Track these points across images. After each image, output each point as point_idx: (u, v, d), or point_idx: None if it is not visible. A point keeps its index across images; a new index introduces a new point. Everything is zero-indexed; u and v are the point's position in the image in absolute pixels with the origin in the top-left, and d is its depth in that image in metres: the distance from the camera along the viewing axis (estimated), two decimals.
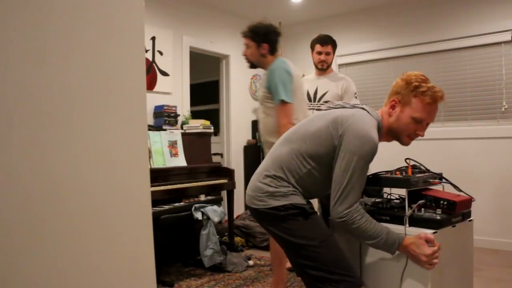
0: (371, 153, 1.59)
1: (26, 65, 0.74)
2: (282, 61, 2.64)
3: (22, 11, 0.73)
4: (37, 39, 0.75)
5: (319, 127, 1.67)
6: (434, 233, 1.60)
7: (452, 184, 1.84)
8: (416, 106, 1.65)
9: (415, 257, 1.55)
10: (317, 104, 3.35)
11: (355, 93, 3.39)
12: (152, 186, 3.05)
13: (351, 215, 1.55)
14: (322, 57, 3.36)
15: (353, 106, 1.75)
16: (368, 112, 1.69)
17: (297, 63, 5.11)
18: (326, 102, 3.31)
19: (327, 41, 3.37)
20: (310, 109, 3.35)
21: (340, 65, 4.99)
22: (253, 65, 2.95)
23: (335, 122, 1.63)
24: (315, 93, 3.38)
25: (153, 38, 4.10)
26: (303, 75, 4.71)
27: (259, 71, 5.31)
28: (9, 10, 0.71)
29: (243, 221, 4.41)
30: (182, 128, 4.06)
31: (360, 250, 1.81)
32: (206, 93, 6.40)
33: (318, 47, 3.37)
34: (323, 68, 3.39)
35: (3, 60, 0.71)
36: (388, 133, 1.74)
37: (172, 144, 3.68)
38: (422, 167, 1.91)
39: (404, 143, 1.76)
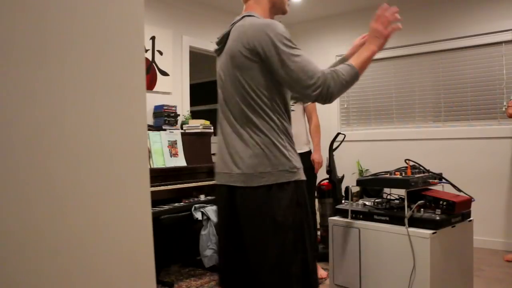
0: (283, 29, 1.45)
1: (25, 65, 0.74)
2: None
3: (21, 11, 0.73)
4: (36, 39, 0.75)
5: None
6: (433, 233, 1.61)
7: (451, 184, 1.84)
8: None
9: (376, 31, 1.55)
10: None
11: None
12: (152, 186, 3.06)
13: (325, 91, 1.40)
14: None
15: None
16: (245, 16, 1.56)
17: None
18: (295, 102, 3.36)
19: None
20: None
21: None
22: None
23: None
24: None
25: (153, 38, 4.10)
26: None
27: None
28: (9, 10, 0.72)
29: None
30: (182, 128, 4.06)
31: (360, 251, 1.81)
32: (206, 93, 6.41)
33: None
34: None
35: (2, 60, 0.71)
36: (271, 10, 1.60)
37: (172, 144, 3.68)
38: (421, 168, 1.91)
39: (287, 10, 1.65)
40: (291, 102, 3.57)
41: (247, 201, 1.42)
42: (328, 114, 4.88)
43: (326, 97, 1.41)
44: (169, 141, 3.67)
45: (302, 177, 1.47)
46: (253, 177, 1.41)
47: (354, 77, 1.47)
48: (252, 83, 1.45)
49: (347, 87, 1.46)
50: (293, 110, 3.39)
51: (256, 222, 1.40)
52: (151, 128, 3.81)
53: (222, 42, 1.64)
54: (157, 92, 4.14)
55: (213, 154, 4.46)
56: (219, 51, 1.67)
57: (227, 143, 1.54)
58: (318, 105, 3.37)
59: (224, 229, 1.55)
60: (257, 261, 1.40)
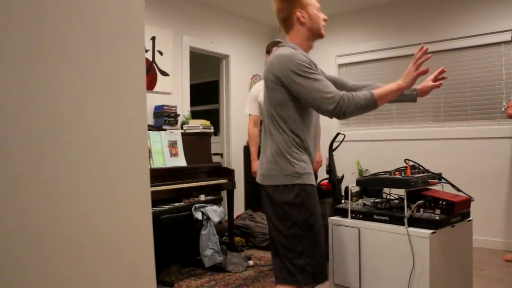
0: (303, 59, 1.72)
1: (25, 65, 0.74)
2: None
3: (21, 11, 0.73)
4: (36, 39, 0.75)
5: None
6: (433, 233, 1.61)
7: (451, 184, 1.84)
8: (311, 1, 1.86)
9: (410, 71, 1.76)
10: None
11: None
12: (152, 186, 3.06)
13: (338, 108, 1.67)
14: None
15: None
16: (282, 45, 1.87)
17: None
18: None
19: None
20: None
21: (340, 65, 5.00)
22: None
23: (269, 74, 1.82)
24: None
25: (153, 38, 4.11)
26: None
27: (259, 71, 5.31)
28: (8, 10, 0.72)
29: (243, 221, 4.41)
30: (182, 128, 4.06)
31: (360, 251, 1.81)
32: (206, 93, 6.41)
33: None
34: None
35: (2, 60, 0.71)
36: (310, 37, 1.88)
37: (172, 144, 3.69)
38: (421, 168, 1.91)
39: (323, 34, 1.91)
40: None
41: (263, 195, 1.84)
42: None
43: (339, 113, 1.68)
44: (169, 141, 3.67)
45: (308, 181, 1.77)
46: (266, 178, 1.80)
47: (370, 103, 1.69)
48: (274, 102, 1.78)
49: (361, 110, 1.71)
50: None
51: (269, 210, 1.80)
52: (151, 128, 3.81)
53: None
54: (157, 92, 4.14)
55: (213, 154, 4.46)
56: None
57: (261, 149, 1.93)
58: None
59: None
60: (274, 241, 1.80)
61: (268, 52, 3.53)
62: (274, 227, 1.78)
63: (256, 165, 3.46)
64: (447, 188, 1.86)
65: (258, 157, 3.46)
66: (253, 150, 3.52)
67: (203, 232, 3.34)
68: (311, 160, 1.83)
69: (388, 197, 1.98)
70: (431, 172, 1.87)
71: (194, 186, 3.59)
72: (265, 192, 1.81)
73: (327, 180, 3.68)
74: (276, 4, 1.88)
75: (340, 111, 1.67)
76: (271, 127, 1.80)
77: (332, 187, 3.59)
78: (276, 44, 3.51)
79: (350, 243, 1.83)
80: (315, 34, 1.88)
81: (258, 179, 1.88)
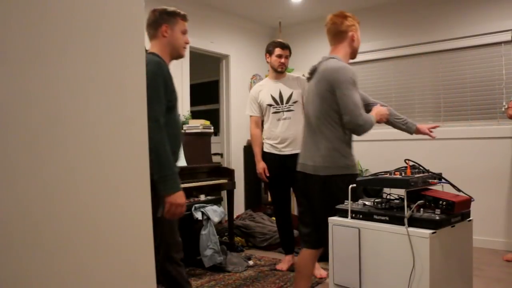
0: (349, 75, 2.12)
1: (25, 65, 0.74)
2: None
3: (21, 11, 0.73)
4: (37, 39, 0.75)
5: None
6: (433, 233, 1.61)
7: (451, 184, 1.84)
8: (358, 27, 2.34)
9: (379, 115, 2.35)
10: (286, 106, 3.43)
11: None
12: None
13: (364, 127, 2.19)
14: (282, 60, 3.48)
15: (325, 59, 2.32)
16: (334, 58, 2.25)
17: (296, 63, 5.11)
18: (295, 102, 3.43)
19: (286, 46, 3.52)
20: (279, 111, 3.41)
21: None
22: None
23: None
24: (280, 95, 3.47)
25: None
26: (303, 75, 4.72)
27: (259, 71, 5.31)
28: (8, 10, 0.72)
29: (243, 221, 4.41)
30: (182, 128, 4.06)
31: (360, 251, 1.81)
32: (206, 93, 6.41)
33: (278, 51, 3.49)
34: (281, 71, 3.51)
35: (2, 60, 0.71)
36: (350, 56, 2.32)
37: None
38: (421, 168, 1.91)
39: (354, 57, 2.36)
40: (290, 102, 3.57)
41: (311, 182, 2.23)
42: None
43: (362, 131, 2.21)
44: None
45: (356, 171, 2.24)
46: (320, 169, 2.18)
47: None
48: (328, 105, 2.17)
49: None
50: (292, 111, 3.40)
51: (317, 195, 2.23)
52: None
53: (313, 72, 2.33)
54: None
55: (213, 154, 4.46)
56: (309, 79, 2.37)
57: (306, 144, 2.31)
58: None
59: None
60: (320, 214, 2.19)
61: (270, 52, 3.52)
62: (321, 207, 2.18)
63: (261, 166, 3.46)
64: (447, 188, 1.86)
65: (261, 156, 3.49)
66: (257, 150, 3.52)
67: (203, 232, 3.33)
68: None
69: (388, 197, 1.98)
70: (431, 172, 1.87)
71: (194, 186, 3.59)
72: (315, 180, 2.20)
73: None
74: (336, 18, 2.31)
75: (363, 130, 2.19)
76: (322, 126, 2.19)
77: None
78: (277, 44, 3.51)
79: (350, 243, 1.83)
80: (353, 55, 2.34)
81: (309, 170, 2.24)
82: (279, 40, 3.63)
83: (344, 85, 2.10)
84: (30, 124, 0.74)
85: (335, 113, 2.15)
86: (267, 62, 3.57)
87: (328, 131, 2.18)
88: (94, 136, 0.84)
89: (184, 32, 2.11)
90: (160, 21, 2.03)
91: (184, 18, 2.10)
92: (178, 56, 2.12)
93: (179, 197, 1.93)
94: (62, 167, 0.78)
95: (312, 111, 2.26)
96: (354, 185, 1.92)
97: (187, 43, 2.13)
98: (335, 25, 2.29)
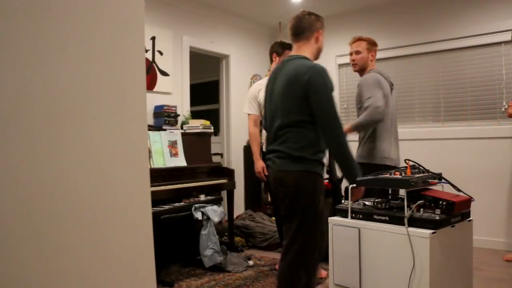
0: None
1: (25, 65, 0.74)
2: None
3: (20, 11, 0.73)
4: (36, 39, 0.75)
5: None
6: (433, 233, 1.61)
7: (451, 184, 1.84)
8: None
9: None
10: None
11: None
12: (152, 186, 3.06)
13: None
14: None
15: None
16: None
17: None
18: None
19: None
20: None
21: (340, 65, 5.00)
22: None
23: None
24: None
25: (153, 38, 4.11)
26: None
27: (259, 71, 5.31)
28: (8, 10, 0.72)
29: (243, 221, 4.41)
30: (182, 128, 4.06)
31: (360, 251, 1.81)
32: (206, 93, 6.41)
33: (288, 53, 3.42)
34: None
35: (2, 59, 0.71)
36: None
37: (172, 144, 3.68)
38: (421, 168, 1.91)
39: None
40: None
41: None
42: None
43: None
44: (169, 141, 3.67)
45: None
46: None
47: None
48: None
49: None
50: None
51: None
52: (151, 128, 3.81)
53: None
54: (157, 92, 4.14)
55: (213, 154, 4.46)
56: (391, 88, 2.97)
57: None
58: None
59: None
60: None
61: (278, 53, 3.47)
62: None
63: (260, 165, 3.45)
64: (447, 188, 1.86)
65: (260, 156, 3.48)
66: (256, 149, 3.51)
67: (203, 232, 3.33)
68: None
69: (388, 197, 1.98)
70: (431, 172, 1.87)
71: (194, 186, 3.58)
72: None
73: (327, 180, 3.68)
74: (362, 43, 3.06)
75: None
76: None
77: (332, 187, 3.59)
78: (287, 46, 3.47)
79: (350, 243, 1.83)
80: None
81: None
82: (288, 42, 3.58)
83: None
84: (30, 124, 0.74)
85: None
86: (272, 61, 3.52)
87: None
88: (94, 136, 0.84)
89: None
90: (316, 26, 2.21)
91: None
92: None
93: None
94: (62, 167, 0.78)
95: (394, 108, 2.99)
96: (354, 185, 1.92)
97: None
98: (360, 49, 3.19)
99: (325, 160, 2.12)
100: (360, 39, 3.15)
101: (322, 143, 2.05)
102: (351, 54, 3.27)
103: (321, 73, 2.03)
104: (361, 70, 3.14)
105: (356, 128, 2.74)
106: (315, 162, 2.01)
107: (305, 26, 2.20)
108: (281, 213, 2.13)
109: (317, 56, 2.24)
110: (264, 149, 3.53)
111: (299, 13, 2.26)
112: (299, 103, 2.01)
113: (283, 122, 2.05)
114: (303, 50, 2.18)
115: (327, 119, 1.96)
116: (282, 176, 2.04)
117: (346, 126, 2.63)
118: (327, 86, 2.01)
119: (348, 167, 1.99)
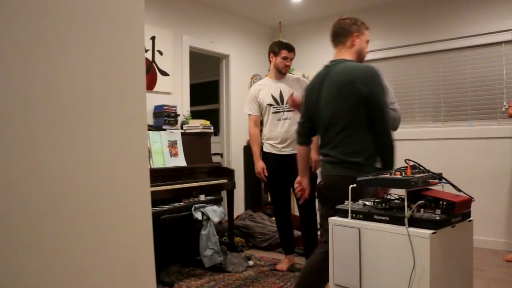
0: None
1: (25, 65, 0.74)
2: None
3: (20, 11, 0.73)
4: (36, 38, 0.75)
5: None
6: (433, 233, 1.61)
7: (451, 184, 1.84)
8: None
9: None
10: (287, 106, 3.42)
11: None
12: (152, 186, 3.06)
13: None
14: (288, 62, 3.48)
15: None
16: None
17: (296, 63, 5.10)
18: None
19: (293, 48, 3.51)
20: (279, 111, 3.41)
21: None
22: None
23: None
24: (281, 95, 3.47)
25: (153, 38, 4.10)
26: (303, 75, 4.72)
27: (259, 71, 5.31)
28: (8, 10, 0.71)
29: (243, 221, 4.41)
30: (182, 128, 4.06)
31: (360, 251, 1.81)
32: (206, 93, 6.40)
33: (285, 53, 3.47)
34: (285, 73, 3.51)
35: (2, 60, 0.71)
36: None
37: (172, 144, 3.68)
38: (421, 168, 1.91)
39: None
40: (287, 104, 3.56)
41: None
42: None
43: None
44: (169, 141, 3.67)
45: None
46: None
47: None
48: None
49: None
50: (293, 111, 3.40)
51: None
52: (151, 128, 3.81)
53: None
54: (157, 92, 4.14)
55: (213, 154, 4.46)
56: None
57: None
58: None
59: None
60: None
61: (275, 53, 3.49)
62: None
63: (260, 165, 3.46)
64: (448, 188, 1.85)
65: (260, 156, 3.48)
66: (256, 150, 3.51)
67: (203, 232, 3.33)
68: None
69: (388, 197, 1.98)
70: (431, 172, 1.87)
71: (194, 186, 3.58)
72: None
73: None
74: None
75: None
76: None
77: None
78: (284, 46, 3.47)
79: (350, 243, 1.83)
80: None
81: None
82: (286, 41, 3.60)
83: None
84: (30, 124, 0.74)
85: None
86: (270, 61, 3.55)
87: None
88: (94, 136, 0.84)
89: (367, 43, 2.31)
90: (350, 30, 2.22)
91: (368, 28, 2.29)
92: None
93: None
94: (62, 167, 0.78)
95: None
96: (355, 185, 1.92)
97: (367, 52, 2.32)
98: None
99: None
100: None
101: (375, 148, 2.08)
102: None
103: (373, 73, 2.05)
104: None
105: None
106: (367, 168, 2.03)
107: (339, 31, 2.23)
108: (323, 212, 2.23)
109: (358, 58, 2.23)
110: (264, 149, 3.53)
111: (336, 19, 2.30)
112: (353, 107, 2.04)
113: (336, 126, 2.09)
114: (342, 54, 2.22)
115: (382, 119, 2.04)
116: (333, 180, 2.12)
117: None
118: (381, 86, 2.04)
119: (390, 164, 2.12)
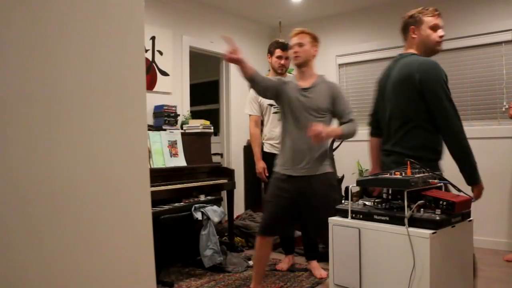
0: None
1: (25, 65, 0.74)
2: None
3: (20, 11, 0.73)
4: (36, 38, 0.75)
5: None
6: (433, 233, 1.60)
7: (451, 184, 1.84)
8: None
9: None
10: None
11: None
12: (152, 186, 3.06)
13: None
14: (282, 61, 3.47)
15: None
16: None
17: None
18: None
19: (286, 47, 3.46)
20: (280, 111, 3.40)
21: (340, 65, 4.99)
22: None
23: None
24: None
25: (153, 38, 4.10)
26: None
27: (259, 71, 5.31)
28: (8, 9, 0.71)
29: (243, 221, 4.41)
30: (182, 128, 4.06)
31: (360, 251, 1.81)
32: (206, 93, 6.40)
33: (279, 52, 3.47)
34: (281, 73, 3.49)
35: (2, 59, 0.71)
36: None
37: (172, 144, 3.68)
38: (421, 168, 1.91)
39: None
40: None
41: None
42: None
43: None
44: (169, 141, 3.67)
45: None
46: None
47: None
48: None
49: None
50: None
51: None
52: (151, 128, 3.81)
53: None
54: (157, 92, 4.14)
55: (213, 154, 4.46)
56: None
57: None
58: None
59: None
60: None
61: (270, 53, 3.51)
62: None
63: (261, 165, 3.45)
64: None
65: (261, 156, 3.48)
66: (256, 150, 3.51)
67: (203, 232, 3.33)
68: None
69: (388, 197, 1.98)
70: (431, 172, 1.87)
71: (194, 186, 3.58)
72: None
73: None
74: (306, 36, 2.85)
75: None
76: None
77: None
78: (278, 45, 3.49)
79: (350, 243, 1.83)
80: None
81: None
82: (281, 40, 3.61)
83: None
84: (30, 124, 0.74)
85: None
86: (269, 62, 3.57)
87: None
88: (94, 136, 0.84)
89: (434, 28, 2.16)
90: (408, 23, 2.26)
91: (432, 13, 2.19)
92: (434, 52, 2.18)
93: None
94: (62, 167, 0.78)
95: None
96: (354, 185, 1.92)
97: (441, 36, 2.17)
98: None
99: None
100: (303, 32, 2.88)
101: (440, 143, 2.05)
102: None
103: (432, 67, 2.01)
104: (303, 65, 2.80)
105: (343, 136, 2.61)
106: (432, 163, 2.01)
107: (401, 29, 2.32)
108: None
109: (425, 50, 2.16)
110: (264, 149, 3.53)
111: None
112: (414, 102, 2.01)
113: (398, 122, 2.07)
114: (408, 47, 2.25)
115: (444, 115, 1.97)
116: None
117: (338, 129, 2.59)
118: (441, 80, 2.01)
119: (469, 169, 2.00)
